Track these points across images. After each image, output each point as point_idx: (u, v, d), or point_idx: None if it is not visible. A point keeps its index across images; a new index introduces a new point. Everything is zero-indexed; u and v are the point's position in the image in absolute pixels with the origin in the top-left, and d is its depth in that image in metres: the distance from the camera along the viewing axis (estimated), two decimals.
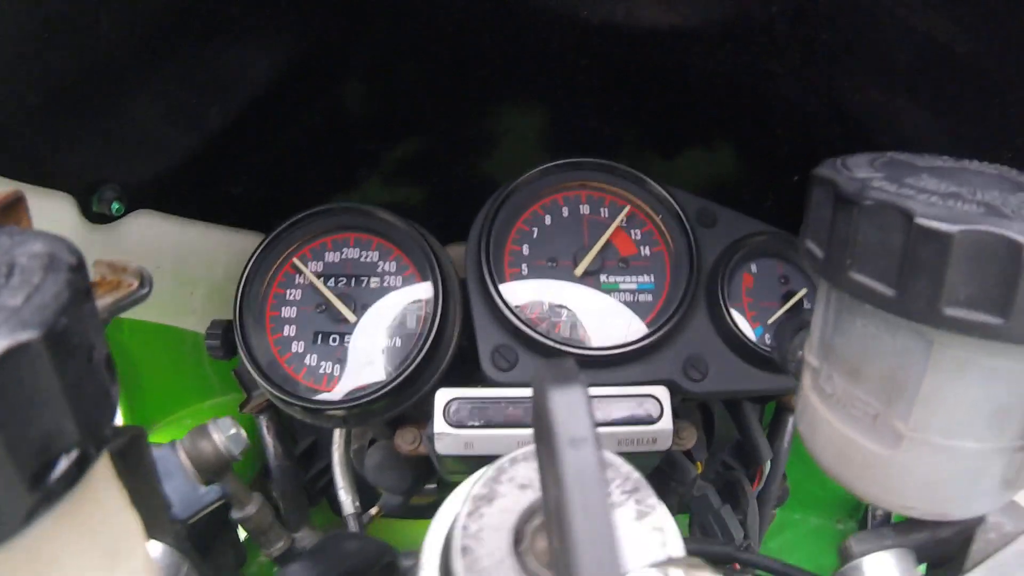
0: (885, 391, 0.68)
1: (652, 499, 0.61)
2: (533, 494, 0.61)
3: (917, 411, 0.66)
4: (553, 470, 0.44)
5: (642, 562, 0.55)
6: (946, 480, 0.68)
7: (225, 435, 1.14)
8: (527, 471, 0.63)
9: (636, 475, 0.63)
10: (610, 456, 0.62)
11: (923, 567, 0.81)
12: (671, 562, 0.55)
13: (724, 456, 1.55)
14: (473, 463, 1.16)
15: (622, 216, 1.35)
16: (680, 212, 1.32)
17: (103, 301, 0.53)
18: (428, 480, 1.49)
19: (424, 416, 1.24)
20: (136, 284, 0.56)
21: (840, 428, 0.73)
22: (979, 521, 0.77)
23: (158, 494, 0.70)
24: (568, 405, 0.44)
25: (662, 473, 1.41)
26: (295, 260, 1.31)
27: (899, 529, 0.80)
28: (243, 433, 1.16)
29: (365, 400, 1.19)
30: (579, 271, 1.31)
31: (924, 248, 0.58)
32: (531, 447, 0.61)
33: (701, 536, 1.40)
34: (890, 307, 0.62)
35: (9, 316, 0.41)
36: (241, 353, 1.24)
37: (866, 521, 1.64)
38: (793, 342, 0.89)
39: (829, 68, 1.08)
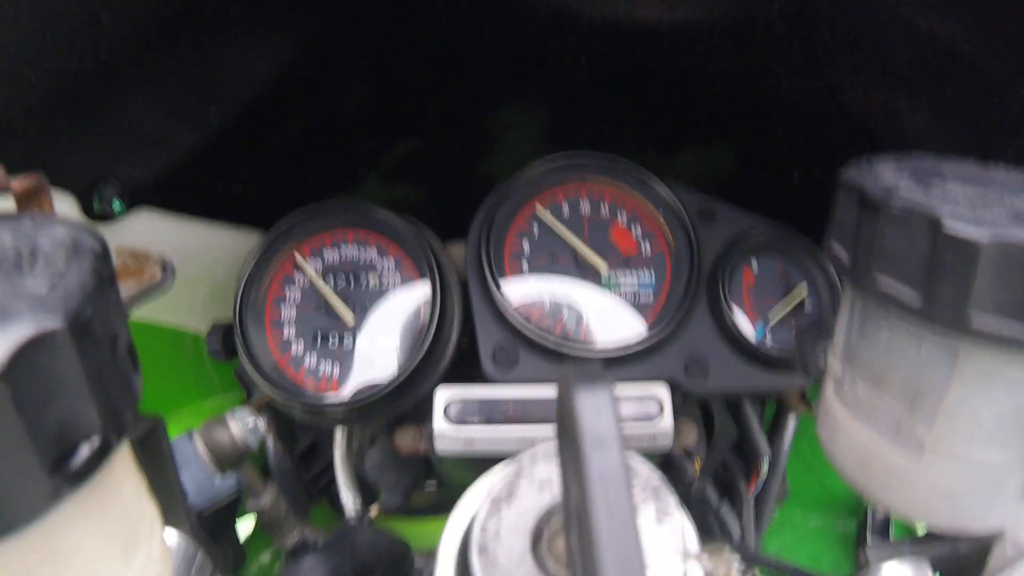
0: (909, 399, 0.68)
1: (672, 502, 0.61)
2: (552, 494, 0.61)
3: (941, 420, 0.66)
4: (577, 471, 0.44)
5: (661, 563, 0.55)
6: (967, 491, 0.68)
7: (242, 426, 1.13)
8: (546, 470, 0.62)
9: (657, 478, 0.62)
10: (632, 458, 0.61)
11: None
12: (695, 552, 0.55)
13: (724, 455, 1.55)
14: (473, 461, 1.15)
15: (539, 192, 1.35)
16: (680, 209, 1.32)
17: (127, 290, 0.53)
18: (428, 479, 1.48)
19: (424, 415, 1.23)
20: (159, 273, 0.55)
21: (862, 435, 0.73)
22: (997, 535, 0.77)
23: (175, 483, 0.70)
24: (594, 406, 0.44)
25: (660, 470, 1.41)
26: (296, 255, 1.30)
27: (916, 541, 0.80)
28: (260, 424, 1.16)
29: (365, 400, 1.18)
30: (603, 272, 1.31)
31: (952, 255, 0.58)
32: (550, 446, 0.61)
33: (702, 534, 1.40)
34: (916, 315, 0.62)
35: (34, 304, 0.41)
36: (241, 355, 1.23)
37: (866, 522, 1.64)
38: (815, 348, 0.88)
39: (829, 68, 1.08)
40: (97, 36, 0.95)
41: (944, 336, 0.62)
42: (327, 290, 1.28)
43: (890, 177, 0.67)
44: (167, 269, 0.55)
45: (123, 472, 0.55)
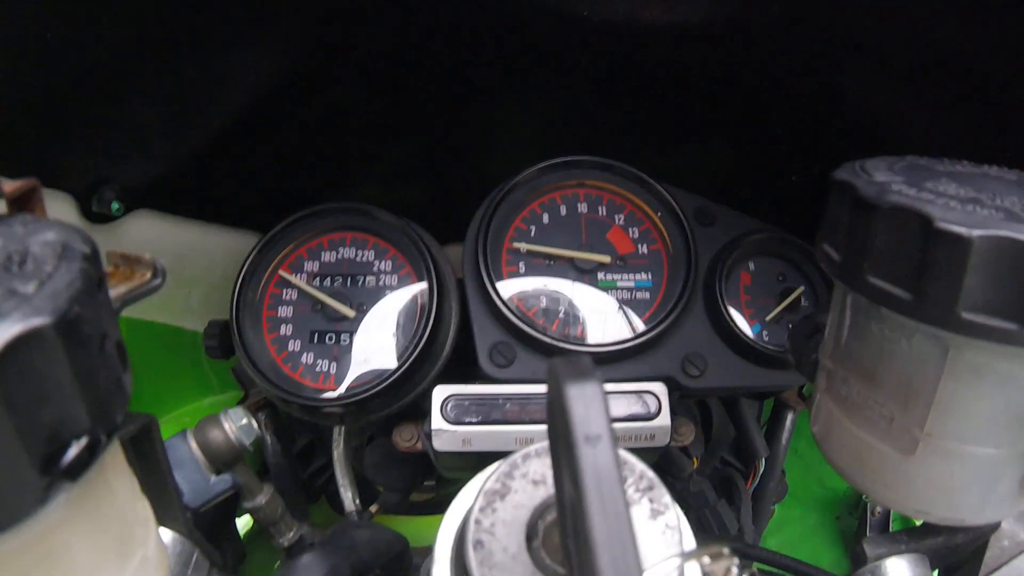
0: (901, 395, 0.68)
1: (666, 498, 0.61)
2: (547, 490, 0.61)
3: (933, 416, 0.66)
4: (569, 467, 0.44)
5: (655, 560, 0.55)
6: (962, 486, 0.68)
7: (236, 425, 1.14)
8: (541, 467, 0.62)
9: (650, 473, 0.62)
10: (624, 454, 0.61)
11: (936, 573, 0.82)
12: (694, 552, 0.55)
13: (723, 453, 1.55)
14: (471, 460, 1.16)
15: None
16: (678, 210, 1.32)
17: (116, 291, 0.53)
18: (427, 477, 1.48)
19: (422, 413, 1.24)
20: (149, 275, 0.55)
21: (855, 431, 0.73)
22: (993, 528, 0.77)
23: (169, 482, 0.70)
24: (584, 401, 0.44)
25: (658, 468, 1.41)
26: (281, 272, 1.30)
27: (913, 534, 0.80)
28: (254, 423, 1.16)
29: (362, 397, 1.19)
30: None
31: (942, 252, 0.58)
32: (545, 443, 0.61)
33: (699, 531, 1.40)
34: (907, 311, 0.62)
35: (22, 303, 0.41)
36: (238, 353, 1.23)
37: (865, 518, 1.64)
38: (808, 344, 0.88)
39: (829, 68, 1.08)
40: (97, 37, 0.95)
41: (935, 332, 0.63)
42: (320, 295, 1.28)
43: (882, 175, 0.67)
44: (159, 271, 0.55)
45: (115, 472, 0.55)
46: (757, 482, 1.54)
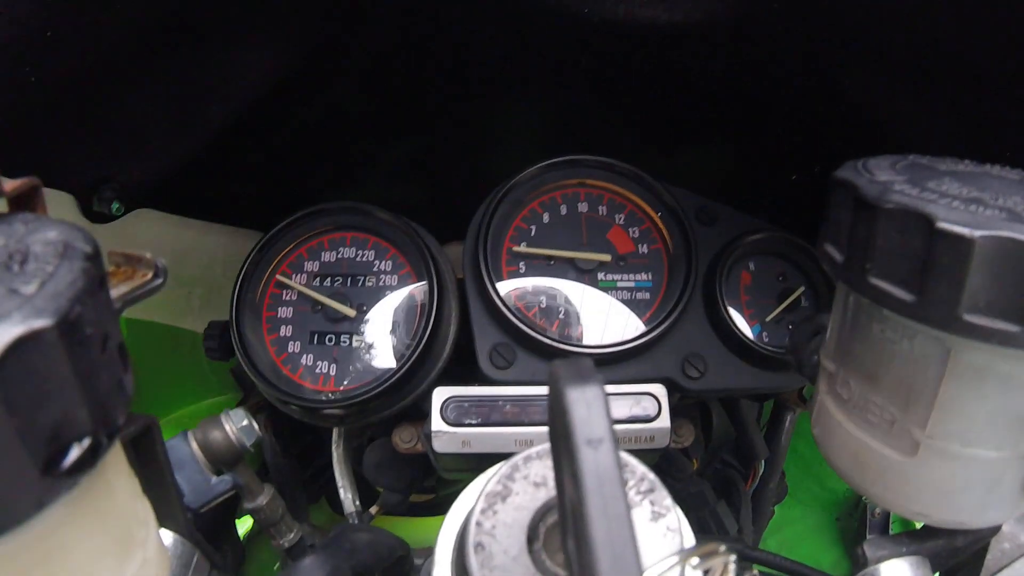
0: (902, 397, 0.68)
1: (667, 500, 0.60)
2: (547, 492, 0.61)
3: (934, 418, 0.66)
4: (570, 470, 0.44)
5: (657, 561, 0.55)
6: (962, 488, 0.68)
7: (237, 426, 1.14)
8: (542, 469, 0.62)
9: (651, 476, 0.62)
10: (626, 456, 0.61)
11: (936, 575, 0.81)
12: (690, 551, 0.54)
13: (723, 454, 1.55)
14: (470, 461, 1.16)
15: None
16: (679, 210, 1.32)
17: (117, 290, 0.53)
18: (427, 478, 1.48)
19: (422, 415, 1.24)
20: (151, 274, 0.55)
21: (856, 433, 0.73)
22: (994, 531, 0.77)
23: (170, 483, 0.70)
24: (585, 404, 0.44)
25: (658, 468, 1.41)
26: (279, 276, 1.30)
27: (914, 537, 0.79)
28: (255, 424, 1.16)
29: (361, 398, 1.18)
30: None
31: (945, 253, 0.57)
32: (546, 445, 0.61)
33: (699, 533, 1.40)
34: (909, 312, 0.62)
35: (23, 303, 0.40)
36: (238, 354, 1.23)
37: (865, 520, 1.64)
38: (809, 345, 0.88)
39: (829, 68, 1.08)
40: (97, 37, 0.95)
41: (937, 333, 0.62)
42: (320, 296, 1.28)
43: (884, 175, 0.67)
44: (160, 271, 0.55)
45: (116, 473, 0.55)
46: (757, 483, 1.54)
